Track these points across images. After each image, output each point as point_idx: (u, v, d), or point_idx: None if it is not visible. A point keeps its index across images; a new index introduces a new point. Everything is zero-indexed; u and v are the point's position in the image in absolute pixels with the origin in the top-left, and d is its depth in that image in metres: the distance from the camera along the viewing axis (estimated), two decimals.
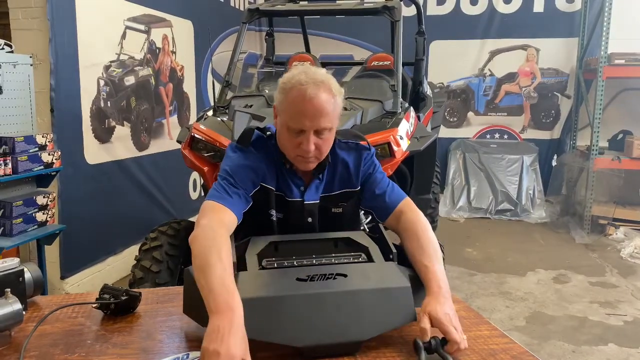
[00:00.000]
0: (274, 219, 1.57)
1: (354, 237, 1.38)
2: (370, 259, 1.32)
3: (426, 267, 1.30)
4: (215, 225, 1.28)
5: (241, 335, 1.05)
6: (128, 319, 1.31)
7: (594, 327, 3.45)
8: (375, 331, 1.17)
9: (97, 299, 1.31)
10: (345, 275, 1.23)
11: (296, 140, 1.43)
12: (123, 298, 1.31)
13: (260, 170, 1.50)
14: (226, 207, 1.36)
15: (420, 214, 1.49)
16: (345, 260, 1.32)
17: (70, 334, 1.23)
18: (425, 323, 1.15)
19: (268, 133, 1.58)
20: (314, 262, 1.30)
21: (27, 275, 1.34)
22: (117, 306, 1.31)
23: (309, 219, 1.57)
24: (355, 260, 1.32)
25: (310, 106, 1.38)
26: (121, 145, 4.20)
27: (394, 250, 1.31)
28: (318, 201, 1.58)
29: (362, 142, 1.64)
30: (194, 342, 1.19)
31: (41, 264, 3.22)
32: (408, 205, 1.52)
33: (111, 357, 1.13)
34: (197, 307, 1.20)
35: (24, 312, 1.20)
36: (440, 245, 2.53)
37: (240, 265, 1.23)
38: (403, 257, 1.36)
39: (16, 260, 1.29)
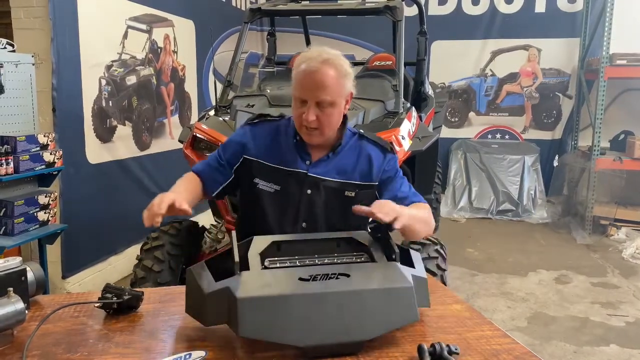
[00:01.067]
0: (266, 189, 1.66)
1: (357, 237, 1.38)
2: (372, 259, 1.32)
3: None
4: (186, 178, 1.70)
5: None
6: (130, 318, 1.31)
7: (595, 328, 3.44)
8: (378, 331, 1.17)
9: (99, 299, 1.31)
10: (348, 275, 1.22)
11: (300, 110, 1.55)
12: (125, 297, 1.31)
13: (251, 144, 1.67)
14: (199, 176, 1.70)
15: (431, 214, 1.62)
16: (348, 260, 1.32)
17: (73, 333, 1.23)
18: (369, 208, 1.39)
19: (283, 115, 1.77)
20: (317, 261, 1.30)
21: (30, 275, 1.34)
22: (120, 305, 1.31)
23: (308, 191, 1.64)
24: (358, 260, 1.32)
25: (312, 78, 1.51)
26: (122, 145, 4.20)
27: (397, 250, 1.31)
28: (324, 177, 1.65)
29: (389, 147, 1.75)
30: (196, 342, 1.19)
31: (43, 264, 3.22)
32: (424, 204, 1.66)
33: (113, 356, 1.13)
34: (199, 307, 1.20)
35: (26, 312, 1.20)
36: (442, 246, 2.56)
37: (242, 264, 1.23)
38: (405, 258, 1.36)
39: (18, 259, 1.29)
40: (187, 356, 1.13)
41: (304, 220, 1.66)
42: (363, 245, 1.36)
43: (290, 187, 1.65)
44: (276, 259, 1.31)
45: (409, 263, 1.36)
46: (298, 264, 1.29)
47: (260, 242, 1.31)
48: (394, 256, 1.31)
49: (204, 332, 1.24)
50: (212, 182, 1.70)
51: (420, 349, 1.12)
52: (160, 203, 1.35)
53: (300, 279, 1.20)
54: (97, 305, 1.31)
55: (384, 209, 1.38)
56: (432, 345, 1.11)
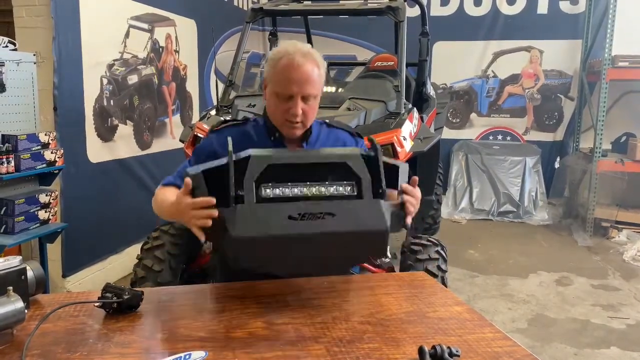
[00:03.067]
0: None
1: (351, 165, 1.39)
2: (359, 194, 1.38)
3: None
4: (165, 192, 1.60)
5: (177, 198, 1.38)
6: (130, 318, 1.30)
7: (596, 330, 3.44)
8: (350, 264, 1.42)
9: (99, 298, 1.31)
10: (333, 215, 1.32)
11: (285, 106, 1.54)
12: (125, 297, 1.30)
13: (221, 152, 1.60)
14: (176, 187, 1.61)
15: None
16: (336, 193, 1.38)
17: (72, 332, 1.22)
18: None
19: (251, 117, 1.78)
20: (307, 192, 1.36)
21: (30, 274, 1.34)
22: (120, 305, 1.30)
23: None
24: (345, 193, 1.38)
25: (298, 73, 1.51)
26: (124, 144, 4.20)
27: (384, 188, 1.38)
28: None
29: (355, 132, 1.78)
30: (196, 342, 1.18)
31: (43, 262, 3.22)
32: None
33: (113, 356, 1.13)
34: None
35: (25, 311, 1.20)
36: (442, 247, 2.55)
37: (237, 185, 1.30)
38: (393, 176, 1.44)
39: (18, 258, 1.29)
40: (187, 356, 1.13)
41: None
42: (354, 175, 1.39)
43: None
44: (270, 185, 1.34)
45: (395, 181, 1.44)
46: (290, 194, 1.35)
47: (255, 166, 1.34)
48: (380, 191, 1.38)
49: (204, 332, 1.23)
50: None
51: (421, 351, 1.12)
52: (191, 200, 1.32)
53: (290, 217, 1.30)
54: (96, 304, 1.30)
55: (415, 202, 1.44)
56: (433, 347, 1.11)
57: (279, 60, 1.54)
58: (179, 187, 1.60)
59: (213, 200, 1.29)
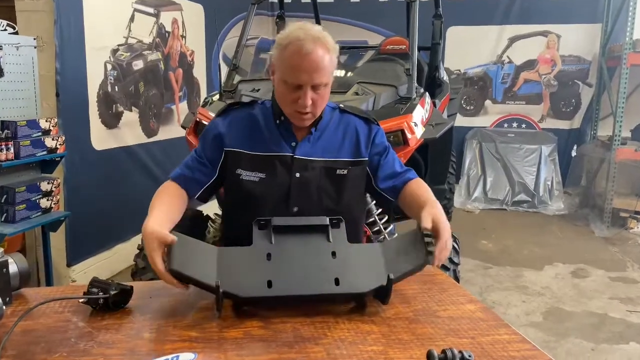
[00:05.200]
0: (250, 179, 1.55)
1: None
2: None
3: (426, 198, 1.47)
4: (164, 190, 1.54)
5: (146, 227, 1.29)
6: (117, 315, 1.22)
7: (614, 325, 3.31)
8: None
9: (84, 293, 1.22)
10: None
11: (293, 95, 1.45)
12: (112, 292, 1.21)
13: (227, 135, 1.56)
14: (179, 185, 1.55)
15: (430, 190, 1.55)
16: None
17: (54, 330, 1.14)
18: (428, 222, 1.31)
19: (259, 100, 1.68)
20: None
21: (12, 267, 1.26)
22: (107, 301, 1.22)
23: (297, 174, 1.55)
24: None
25: (307, 61, 1.40)
26: (129, 131, 4.12)
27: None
28: (312, 157, 1.56)
29: (372, 119, 1.68)
30: (186, 342, 1.09)
31: (46, 251, 3.18)
32: (421, 182, 1.60)
33: (95, 357, 1.04)
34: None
35: (4, 307, 1.12)
36: (455, 237, 2.44)
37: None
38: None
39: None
40: (175, 358, 1.04)
41: (296, 204, 1.57)
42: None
43: (277, 172, 1.55)
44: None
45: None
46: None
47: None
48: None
49: (194, 331, 1.14)
50: (193, 185, 1.57)
51: (429, 356, 1.01)
52: (157, 265, 1.24)
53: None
54: (81, 301, 1.22)
55: (444, 255, 1.32)
56: (443, 351, 1.00)
57: (287, 46, 1.43)
58: (179, 181, 1.56)
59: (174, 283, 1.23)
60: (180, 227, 2.52)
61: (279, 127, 1.57)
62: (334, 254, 1.30)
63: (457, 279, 2.25)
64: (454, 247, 2.34)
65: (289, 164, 1.55)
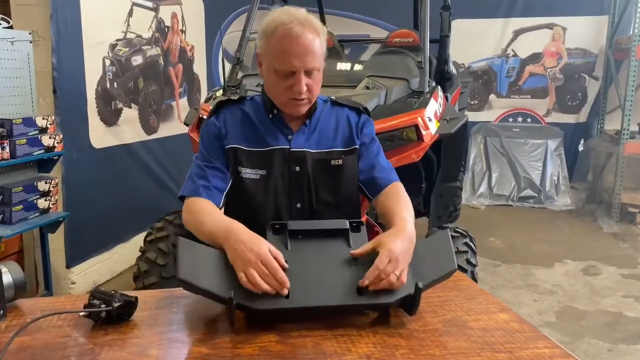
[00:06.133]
0: (252, 177, 1.49)
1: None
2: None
3: (395, 213, 1.36)
4: (201, 206, 1.39)
5: (252, 236, 1.18)
6: (121, 328, 1.12)
7: (630, 324, 3.22)
8: None
9: (85, 306, 1.12)
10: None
11: (286, 83, 1.38)
12: (115, 305, 1.12)
13: (224, 134, 1.49)
14: (204, 198, 1.42)
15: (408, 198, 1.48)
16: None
17: (52, 347, 1.04)
18: (366, 247, 1.20)
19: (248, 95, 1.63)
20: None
21: (6, 277, 1.16)
22: (109, 314, 1.12)
23: (297, 168, 1.50)
24: None
25: (298, 45, 1.34)
26: (129, 129, 4.01)
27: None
28: (307, 149, 1.50)
29: (362, 108, 1.62)
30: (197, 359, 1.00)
31: (44, 253, 3.08)
32: (400, 187, 1.51)
33: None
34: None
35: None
36: (472, 238, 2.34)
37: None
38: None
39: None
40: None
41: (298, 201, 1.51)
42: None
43: (276, 168, 1.49)
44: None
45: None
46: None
47: None
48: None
49: (205, 347, 1.04)
50: (215, 194, 1.45)
51: None
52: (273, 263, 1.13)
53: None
54: (82, 314, 1.12)
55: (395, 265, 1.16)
56: None
57: (273, 32, 1.36)
58: (204, 195, 1.42)
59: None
60: (183, 228, 2.44)
61: (273, 120, 1.51)
62: (355, 260, 1.20)
63: (475, 280, 2.16)
64: (471, 248, 2.24)
65: (286, 157, 1.49)
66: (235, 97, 1.58)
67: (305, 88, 1.38)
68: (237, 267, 1.13)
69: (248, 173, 1.49)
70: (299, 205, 1.51)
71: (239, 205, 1.50)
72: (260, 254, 1.12)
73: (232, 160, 1.49)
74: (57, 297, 1.30)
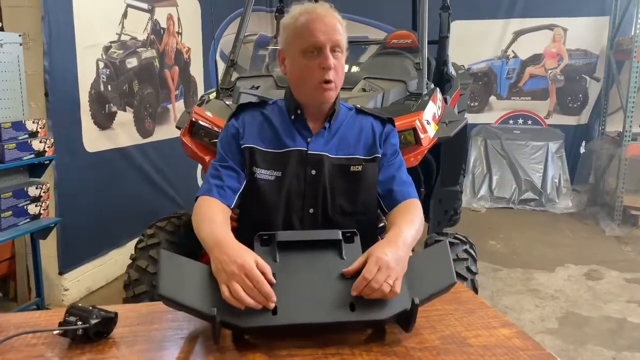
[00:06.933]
0: (267, 178, 1.47)
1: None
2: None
3: (394, 225, 1.32)
4: (207, 208, 1.37)
5: (240, 248, 1.12)
6: (99, 347, 1.05)
7: (634, 330, 3.15)
8: None
9: (61, 323, 1.06)
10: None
11: (314, 62, 1.39)
12: (93, 322, 1.05)
13: (242, 134, 1.49)
14: (216, 199, 1.40)
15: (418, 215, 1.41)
16: None
17: None
18: (359, 262, 1.12)
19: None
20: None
21: None
22: (87, 331, 1.05)
23: (313, 172, 1.47)
24: None
25: (323, 24, 1.38)
26: (123, 132, 3.95)
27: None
28: (326, 153, 1.48)
29: (387, 118, 1.60)
30: None
31: (36, 259, 3.01)
32: (415, 204, 1.46)
33: None
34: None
35: None
36: (472, 244, 2.27)
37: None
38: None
39: None
40: None
41: (311, 206, 1.47)
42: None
43: (292, 170, 1.47)
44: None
45: None
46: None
47: None
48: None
49: None
50: (229, 194, 1.43)
51: None
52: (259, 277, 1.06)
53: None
54: (57, 332, 1.05)
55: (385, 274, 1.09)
56: None
57: (297, 19, 1.41)
58: (214, 195, 1.40)
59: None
60: (175, 235, 2.38)
61: (294, 121, 1.50)
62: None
63: (475, 289, 2.09)
64: (471, 255, 2.18)
65: (303, 160, 1.47)
66: (256, 101, 1.63)
67: (332, 64, 1.38)
68: (220, 280, 1.07)
69: (263, 174, 1.47)
70: (311, 210, 1.48)
71: (252, 207, 1.49)
72: (244, 265, 1.06)
73: (247, 160, 1.47)
74: (33, 313, 1.24)
